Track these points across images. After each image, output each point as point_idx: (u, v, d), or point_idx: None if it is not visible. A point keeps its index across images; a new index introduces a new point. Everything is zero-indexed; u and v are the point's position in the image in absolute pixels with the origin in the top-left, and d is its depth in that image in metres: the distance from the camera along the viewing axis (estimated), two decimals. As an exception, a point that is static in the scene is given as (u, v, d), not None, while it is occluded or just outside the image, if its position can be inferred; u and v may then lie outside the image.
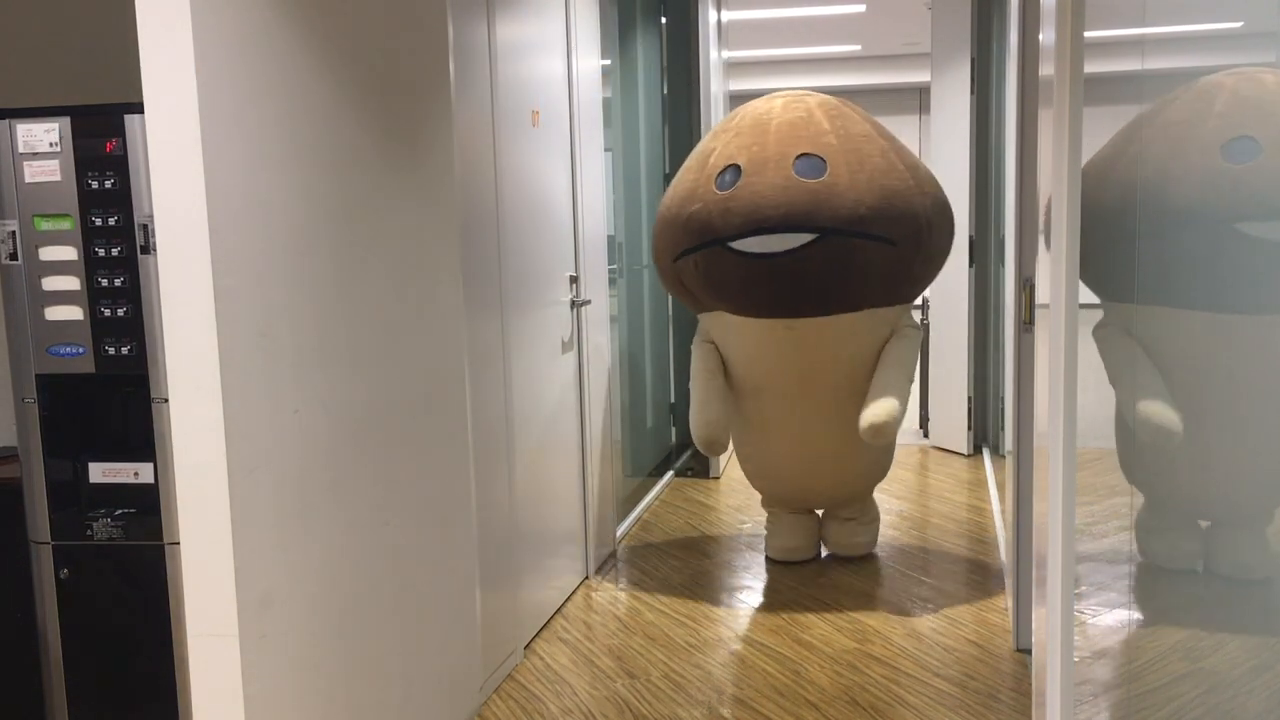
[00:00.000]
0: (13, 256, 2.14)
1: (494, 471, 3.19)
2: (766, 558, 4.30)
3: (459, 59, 2.91)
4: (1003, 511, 4.76)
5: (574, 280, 3.97)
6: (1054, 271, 2.06)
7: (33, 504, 2.23)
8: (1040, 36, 2.47)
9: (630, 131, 5.30)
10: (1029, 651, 3.31)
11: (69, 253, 2.13)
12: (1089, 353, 2.23)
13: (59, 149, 2.10)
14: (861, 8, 9.06)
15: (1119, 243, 3.15)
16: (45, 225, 2.13)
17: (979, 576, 4.04)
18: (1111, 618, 3.45)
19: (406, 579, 2.60)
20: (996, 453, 5.94)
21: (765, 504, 4.35)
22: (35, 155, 2.11)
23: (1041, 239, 2.42)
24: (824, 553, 4.33)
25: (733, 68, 6.62)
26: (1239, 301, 2.94)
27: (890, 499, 5.13)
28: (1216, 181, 2.89)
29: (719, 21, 5.95)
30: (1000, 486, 5.15)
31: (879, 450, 4.07)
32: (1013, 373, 3.30)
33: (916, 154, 3.91)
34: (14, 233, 2.13)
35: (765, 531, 4.36)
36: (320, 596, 2.21)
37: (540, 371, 3.62)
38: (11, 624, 2.37)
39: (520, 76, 3.41)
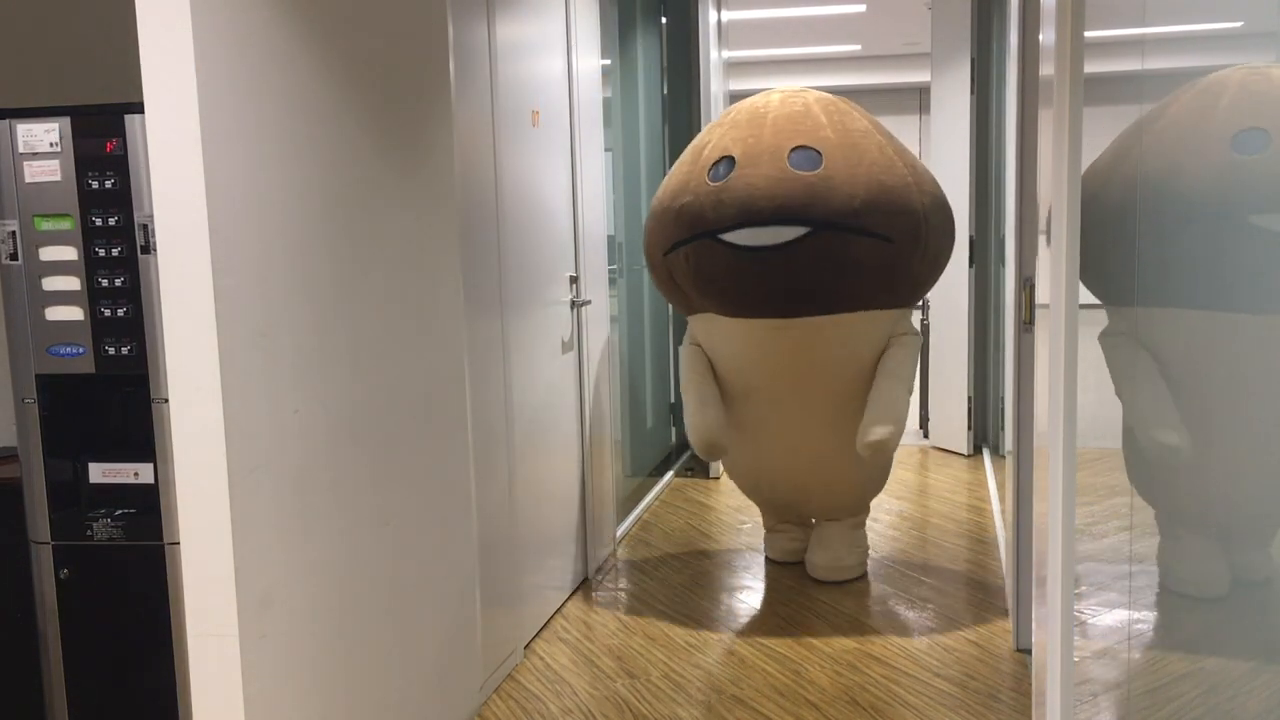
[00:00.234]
0: (13, 256, 2.14)
1: (494, 472, 3.19)
2: (766, 558, 4.29)
3: (459, 59, 2.91)
4: (1003, 511, 4.76)
5: (574, 280, 3.97)
6: (1054, 271, 2.06)
7: (33, 504, 2.23)
8: (1040, 36, 2.47)
9: (630, 131, 5.30)
10: (1029, 651, 3.31)
11: (69, 253, 2.13)
12: (1089, 353, 2.22)
13: (59, 149, 2.10)
14: (861, 8, 9.06)
15: (1124, 245, 3.09)
16: (45, 225, 2.13)
17: (979, 576, 4.04)
18: (1111, 618, 3.45)
19: (406, 579, 2.60)
20: (996, 453, 5.94)
21: (762, 513, 4.32)
22: (35, 155, 2.11)
23: (1041, 239, 2.42)
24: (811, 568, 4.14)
25: (733, 68, 6.61)
26: (1255, 299, 2.87)
27: (890, 499, 5.13)
28: (1227, 174, 2.82)
29: (719, 21, 5.95)
30: (1000, 486, 5.15)
31: (874, 459, 3.89)
32: (1013, 373, 3.30)
33: (916, 154, 3.87)
34: (14, 233, 2.13)
35: (765, 532, 4.34)
36: (320, 596, 2.21)
37: (540, 371, 3.62)
38: (11, 624, 2.37)
39: (520, 76, 3.41)
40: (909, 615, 3.68)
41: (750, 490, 4.15)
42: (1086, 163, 2.21)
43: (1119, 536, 3.83)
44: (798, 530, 4.22)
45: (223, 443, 1.90)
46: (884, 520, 4.79)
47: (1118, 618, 3.44)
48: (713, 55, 5.78)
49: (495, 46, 3.18)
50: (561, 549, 3.85)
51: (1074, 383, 2.03)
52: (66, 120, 2.10)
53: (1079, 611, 3.45)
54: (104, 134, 2.09)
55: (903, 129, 13.02)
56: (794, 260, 3.44)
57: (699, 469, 5.84)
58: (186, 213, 1.86)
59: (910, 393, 3.68)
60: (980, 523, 4.74)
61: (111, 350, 2.15)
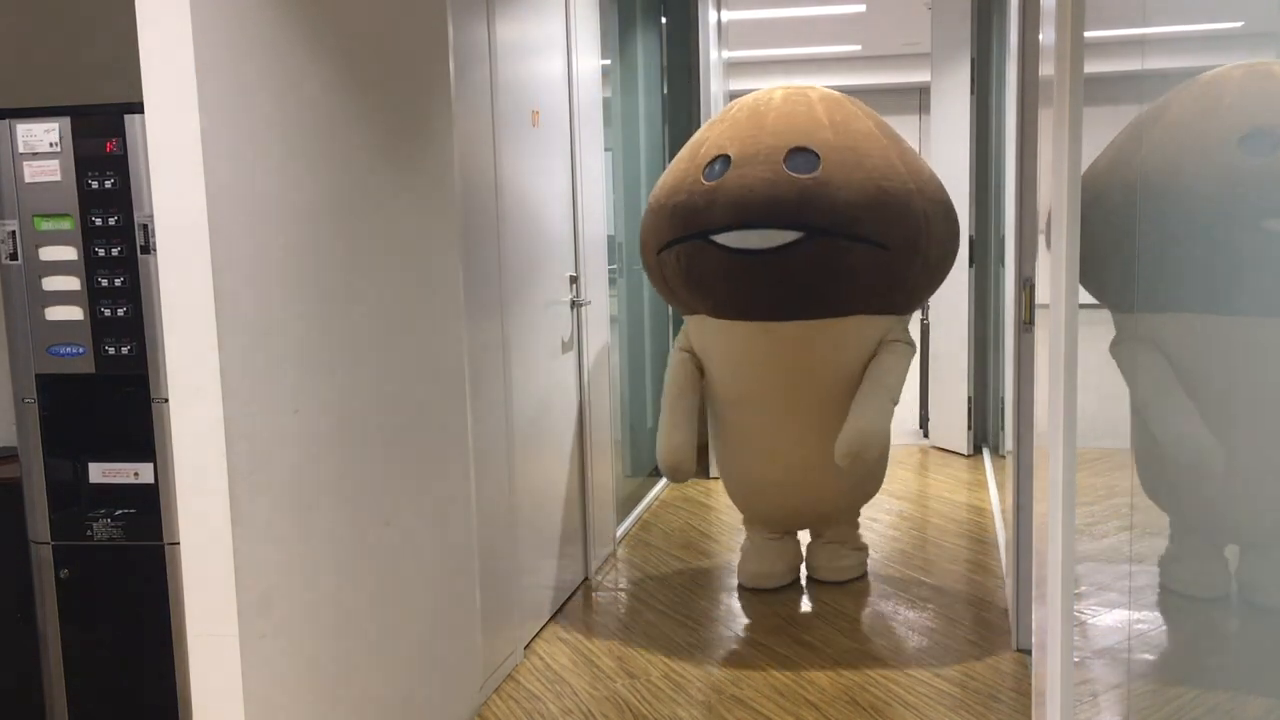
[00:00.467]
0: (13, 256, 2.14)
1: (494, 471, 3.19)
2: (739, 585, 4.01)
3: (459, 59, 2.91)
4: (1003, 511, 4.76)
5: (574, 280, 3.97)
6: (1054, 271, 2.06)
7: (33, 504, 2.23)
8: (1040, 36, 2.47)
9: (630, 131, 5.30)
10: (1029, 651, 3.31)
11: (69, 253, 2.13)
12: (1089, 352, 2.21)
13: (59, 149, 2.10)
14: (861, 8, 9.05)
15: (1129, 250, 2.98)
16: (45, 225, 2.13)
17: (979, 576, 4.04)
18: (1111, 618, 3.44)
19: (406, 579, 2.60)
20: (996, 453, 5.94)
21: (746, 523, 4.08)
22: (35, 155, 2.11)
23: (1041, 239, 2.42)
24: (804, 578, 4.05)
25: (733, 68, 6.61)
26: (1267, 303, 2.81)
27: (890, 499, 5.13)
28: (1236, 178, 2.74)
29: (719, 21, 5.95)
30: (1000, 486, 5.15)
31: (868, 466, 3.83)
32: (1013, 373, 3.29)
33: (917, 154, 3.82)
34: (14, 233, 2.13)
35: (739, 556, 4.10)
36: (320, 596, 2.21)
37: (540, 371, 3.62)
38: (11, 624, 2.37)
39: (520, 76, 3.41)
40: (909, 615, 3.68)
41: (740, 497, 4.00)
42: (1086, 163, 2.20)
43: (1119, 536, 3.82)
44: (774, 555, 3.96)
45: (223, 443, 1.90)
46: (884, 520, 4.79)
47: (1118, 618, 3.44)
48: (713, 55, 5.78)
49: (495, 46, 3.18)
50: (561, 549, 3.85)
51: (1074, 383, 2.03)
52: (66, 120, 2.10)
53: (1079, 611, 3.45)
54: (104, 134, 2.09)
55: (903, 129, 12.99)
56: (786, 265, 3.36)
57: (699, 469, 5.84)
58: (186, 213, 1.86)
59: (895, 400, 3.54)
60: (980, 523, 4.74)
61: (111, 350, 2.15)
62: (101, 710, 2.26)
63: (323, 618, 2.22)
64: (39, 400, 2.19)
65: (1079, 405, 2.03)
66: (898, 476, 5.57)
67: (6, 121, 2.11)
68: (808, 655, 3.37)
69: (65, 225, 2.12)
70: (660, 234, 3.60)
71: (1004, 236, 5.52)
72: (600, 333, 4.28)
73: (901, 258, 3.41)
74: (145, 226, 2.10)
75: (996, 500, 5.06)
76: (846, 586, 3.97)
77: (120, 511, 2.20)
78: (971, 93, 5.77)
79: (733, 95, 6.57)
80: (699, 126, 5.60)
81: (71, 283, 2.14)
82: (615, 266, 4.93)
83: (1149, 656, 3.25)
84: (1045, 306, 2.19)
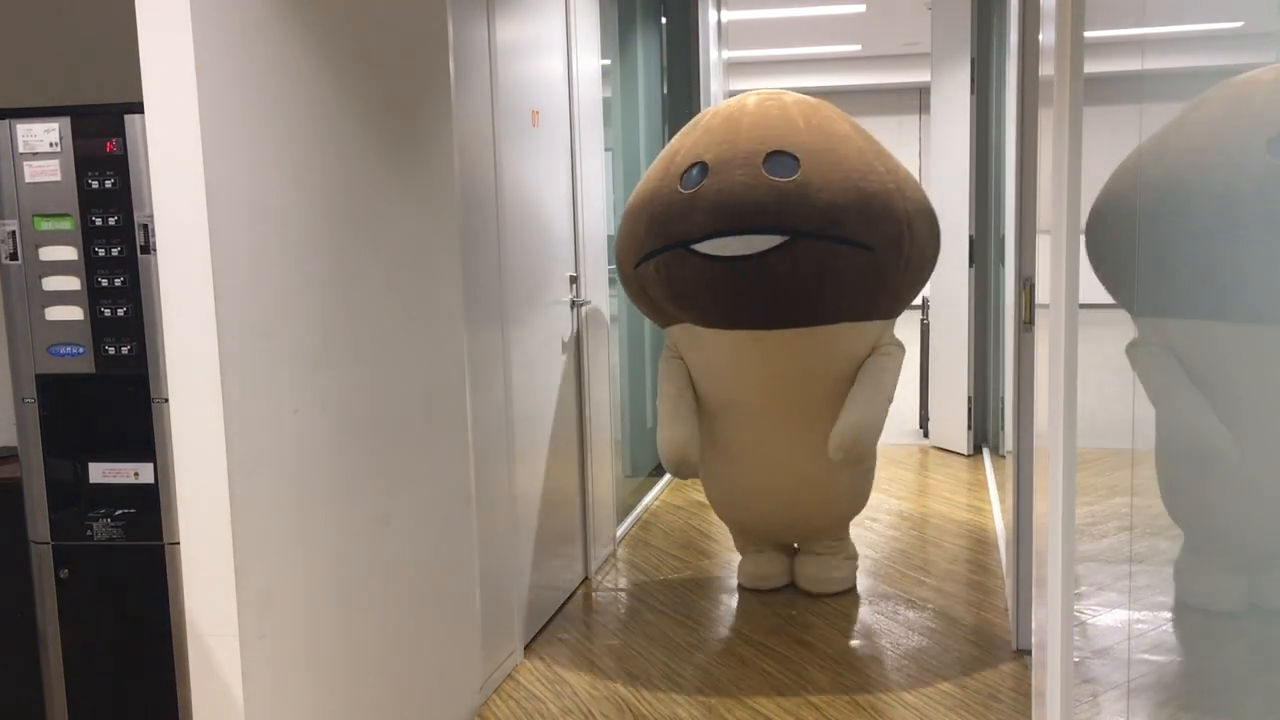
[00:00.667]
0: (13, 256, 2.14)
1: (494, 472, 3.19)
2: (739, 585, 4.03)
3: (459, 59, 2.91)
4: (1003, 511, 4.76)
5: (574, 280, 3.97)
6: (1054, 271, 2.06)
7: (33, 504, 2.23)
8: (1040, 36, 2.47)
9: (630, 131, 5.30)
10: (1029, 651, 3.31)
11: (69, 253, 2.13)
12: (1089, 353, 2.21)
13: (59, 149, 2.10)
14: (861, 8, 9.05)
15: (1154, 252, 2.89)
16: (45, 225, 2.13)
17: (979, 576, 4.04)
18: (1111, 618, 3.44)
19: (406, 579, 2.60)
20: (996, 453, 5.94)
21: (737, 544, 4.07)
22: (35, 155, 2.11)
23: (1041, 239, 2.42)
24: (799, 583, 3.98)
25: (733, 68, 6.61)
26: None
27: (890, 499, 5.13)
28: (1267, 181, 2.66)
29: (719, 21, 5.95)
30: (1000, 486, 5.15)
31: (856, 478, 3.76)
32: (1013, 373, 3.29)
33: (917, 154, 3.82)
34: (14, 233, 2.13)
35: (739, 556, 4.10)
36: (320, 596, 2.21)
37: (540, 371, 3.62)
38: (11, 624, 2.37)
39: (520, 76, 3.41)
40: (909, 615, 3.68)
41: (726, 510, 3.94)
42: (1089, 162, 2.19)
43: (1119, 536, 3.82)
44: (771, 559, 3.96)
45: (223, 443, 1.90)
46: (884, 520, 4.79)
47: (1118, 618, 3.44)
48: (713, 55, 5.79)
49: (495, 46, 3.18)
50: (561, 549, 3.84)
51: (1074, 383, 2.03)
52: (66, 120, 2.10)
53: (1079, 611, 3.45)
54: (104, 134, 2.09)
55: (903, 129, 13.02)
56: (770, 270, 3.26)
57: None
58: (186, 213, 1.86)
59: (889, 400, 3.50)
60: (980, 523, 4.74)
61: (111, 350, 2.15)
62: (101, 710, 2.26)
63: (323, 618, 2.22)
64: (39, 400, 2.19)
65: (1079, 405, 2.03)
66: (897, 477, 5.57)
67: (6, 121, 2.11)
68: (808, 655, 3.37)
69: (65, 225, 2.12)
70: (638, 245, 3.49)
71: (1004, 236, 5.52)
72: (600, 333, 4.28)
73: (885, 258, 3.35)
74: (145, 226, 2.10)
75: (996, 500, 5.06)
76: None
77: (120, 511, 2.20)
78: (971, 93, 5.77)
79: (732, 95, 6.56)
80: (699, 126, 5.61)
81: (71, 283, 2.14)
82: (615, 266, 4.92)
83: (1154, 658, 3.25)
84: (1045, 306, 2.19)
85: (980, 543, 4.46)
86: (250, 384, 1.97)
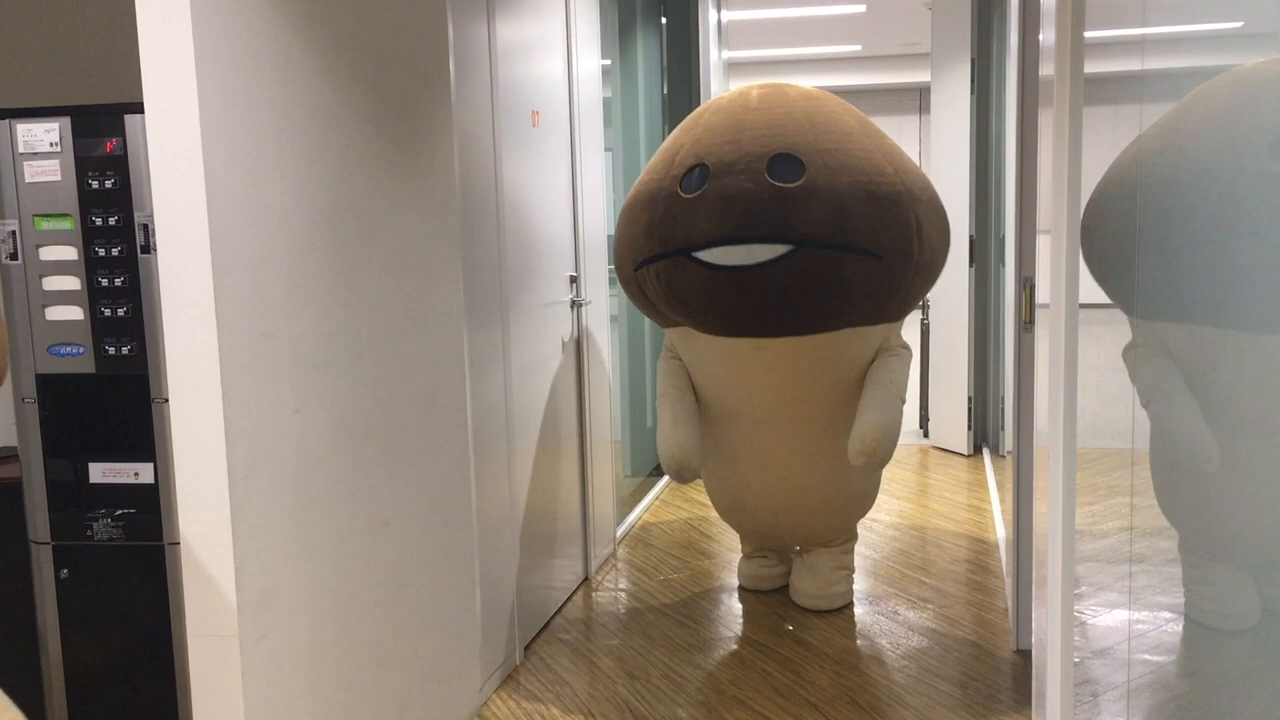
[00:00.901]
0: (13, 256, 2.14)
1: (494, 471, 3.19)
2: (739, 586, 4.01)
3: (459, 59, 2.91)
4: (1003, 511, 4.76)
5: (574, 280, 3.98)
6: (1054, 271, 2.06)
7: (33, 504, 2.23)
8: (1040, 36, 2.47)
9: (630, 131, 5.30)
10: (1029, 651, 3.31)
11: (69, 253, 2.13)
12: (1089, 353, 2.21)
13: (59, 149, 2.10)
14: (861, 8, 9.05)
15: (1149, 255, 2.83)
16: (45, 225, 2.13)
17: (979, 576, 4.04)
18: (1111, 618, 3.44)
19: (406, 579, 2.60)
20: (996, 453, 5.94)
21: (742, 543, 4.03)
22: (35, 155, 2.11)
23: (1041, 239, 2.41)
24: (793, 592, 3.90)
25: (733, 68, 6.61)
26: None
27: (890, 499, 5.13)
28: (1268, 185, 2.59)
29: (719, 21, 5.95)
30: (1000, 486, 5.15)
31: (862, 483, 3.67)
32: (1013, 373, 3.29)
33: (917, 154, 3.76)
34: (14, 233, 2.13)
35: (740, 558, 4.06)
36: (320, 596, 2.21)
37: (540, 371, 3.62)
38: (11, 624, 2.37)
39: (520, 76, 3.41)
40: (909, 615, 3.68)
41: (729, 516, 3.87)
42: (1089, 162, 2.18)
43: (1119, 536, 3.82)
44: (775, 555, 3.94)
45: (223, 443, 1.90)
46: (884, 520, 4.79)
47: (1118, 618, 3.44)
48: (713, 55, 5.79)
49: (495, 47, 3.18)
50: (561, 549, 3.85)
51: (1074, 383, 2.03)
52: (66, 120, 2.10)
53: (1079, 611, 3.45)
54: (104, 134, 2.09)
55: (903, 129, 13.03)
56: (775, 280, 3.13)
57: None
58: (186, 213, 1.86)
59: (903, 401, 3.38)
60: (980, 523, 4.74)
61: (111, 350, 2.15)
62: (101, 710, 2.26)
63: (323, 618, 2.22)
64: (39, 400, 2.19)
65: (1079, 405, 2.03)
66: (898, 477, 5.57)
67: (6, 121, 2.11)
68: (808, 655, 3.37)
69: (65, 225, 2.12)
70: (637, 250, 3.38)
71: (1004, 236, 5.52)
72: (600, 333, 4.28)
73: (894, 265, 3.22)
74: (145, 226, 2.10)
75: (996, 500, 5.06)
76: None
77: (120, 511, 2.20)
78: (971, 93, 5.77)
79: (733, 95, 6.54)
80: (699, 126, 5.61)
81: (71, 283, 2.14)
82: (616, 273, 4.92)
83: (1154, 658, 3.25)
84: (1045, 306, 2.19)
85: (980, 543, 4.46)
86: (250, 384, 1.98)
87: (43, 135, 2.10)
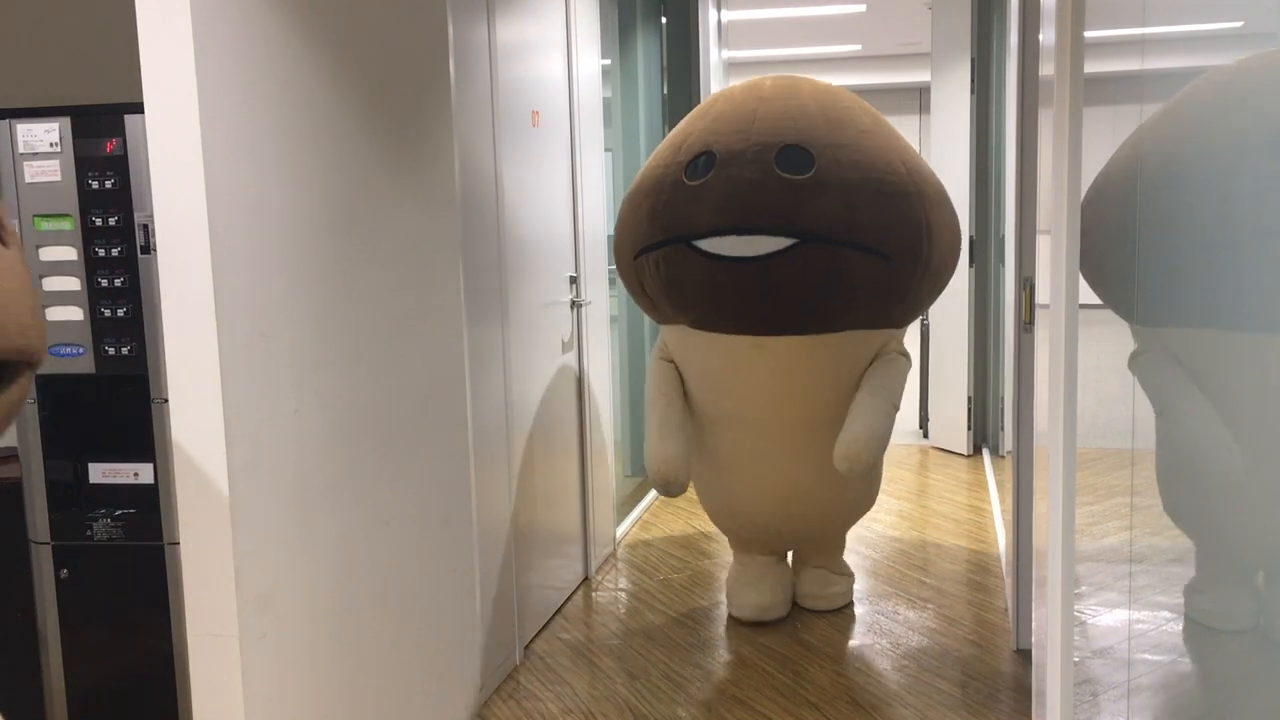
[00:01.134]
0: (13, 256, 2.14)
1: (494, 472, 3.19)
2: (730, 616, 3.74)
3: (459, 59, 2.91)
4: (1003, 511, 4.76)
5: (574, 280, 3.97)
6: (1054, 271, 2.06)
7: (33, 504, 2.23)
8: (1040, 36, 2.47)
9: (630, 131, 5.30)
10: (1029, 651, 3.31)
11: (69, 253, 2.13)
12: (1089, 353, 2.20)
13: (59, 149, 2.10)
14: (861, 8, 9.05)
15: (1150, 258, 2.77)
16: (45, 225, 2.13)
17: (979, 576, 4.04)
18: (1111, 618, 3.44)
19: (406, 579, 2.60)
20: (996, 453, 5.94)
21: (732, 545, 3.83)
22: (35, 155, 2.11)
23: (1041, 239, 2.41)
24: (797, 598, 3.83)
25: (733, 68, 6.62)
26: None
27: (890, 499, 5.13)
28: (1267, 187, 2.53)
29: (719, 21, 5.95)
30: (1000, 486, 5.15)
31: (860, 486, 3.58)
32: (1013, 373, 3.29)
33: (917, 155, 3.70)
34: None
35: (727, 587, 3.79)
36: (320, 596, 2.21)
37: (540, 371, 3.62)
38: (11, 624, 2.37)
39: (520, 76, 3.41)
40: (909, 615, 3.68)
41: (721, 520, 3.74)
42: (1089, 162, 2.17)
43: (1119, 536, 3.82)
44: (768, 584, 3.68)
45: (223, 443, 1.90)
46: (884, 520, 4.79)
47: (1118, 618, 3.44)
48: (713, 55, 5.79)
49: (495, 47, 3.18)
50: (561, 549, 3.84)
51: (1074, 383, 2.03)
52: (66, 120, 2.10)
53: (1079, 611, 3.45)
54: (104, 134, 2.09)
55: (903, 129, 13.00)
56: (777, 274, 3.04)
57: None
58: (186, 213, 1.86)
59: (895, 408, 3.29)
60: (980, 523, 4.74)
61: (111, 350, 2.15)
62: (101, 710, 2.26)
63: (322, 618, 2.22)
64: (39, 400, 2.19)
65: (1079, 405, 2.03)
66: (898, 477, 5.57)
67: (6, 121, 2.11)
68: (808, 655, 3.37)
69: (65, 225, 2.12)
70: (638, 236, 3.29)
71: (1004, 236, 5.52)
72: (600, 333, 4.28)
73: (902, 266, 3.13)
74: (145, 226, 2.10)
75: (996, 500, 5.06)
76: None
77: (120, 511, 2.20)
78: (971, 93, 5.77)
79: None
80: (699, 126, 5.60)
81: (71, 283, 2.14)
82: (615, 266, 4.93)
83: (1154, 658, 3.24)
84: (1045, 306, 2.19)
85: (980, 543, 4.46)
86: (250, 384, 1.97)
87: (43, 135, 2.10)
